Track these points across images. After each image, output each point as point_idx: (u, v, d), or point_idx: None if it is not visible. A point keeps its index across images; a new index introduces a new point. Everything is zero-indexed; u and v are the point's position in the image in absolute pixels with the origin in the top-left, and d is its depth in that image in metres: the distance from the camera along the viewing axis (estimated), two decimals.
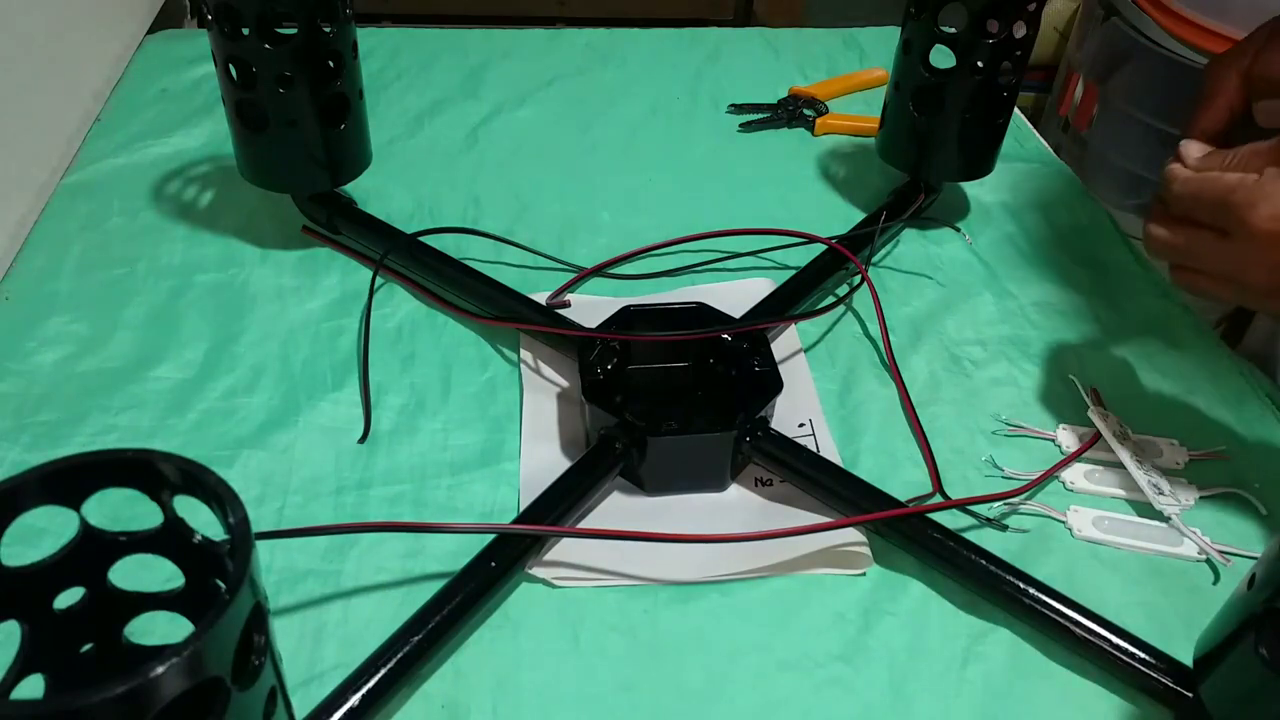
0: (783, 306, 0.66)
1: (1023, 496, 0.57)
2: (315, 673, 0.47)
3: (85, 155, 0.81)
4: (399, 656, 0.45)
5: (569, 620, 0.50)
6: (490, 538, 0.51)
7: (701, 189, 0.82)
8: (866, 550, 0.53)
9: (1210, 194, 0.50)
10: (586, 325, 0.61)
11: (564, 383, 0.62)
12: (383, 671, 0.44)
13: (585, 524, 0.54)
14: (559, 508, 0.53)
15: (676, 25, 1.07)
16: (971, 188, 0.82)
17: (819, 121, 0.89)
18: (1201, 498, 0.57)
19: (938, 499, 0.56)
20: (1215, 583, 0.53)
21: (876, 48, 1.02)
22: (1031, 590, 0.49)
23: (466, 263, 0.68)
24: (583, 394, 0.56)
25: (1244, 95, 0.57)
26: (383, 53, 0.96)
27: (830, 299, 0.69)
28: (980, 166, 0.75)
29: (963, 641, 0.50)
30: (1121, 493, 0.58)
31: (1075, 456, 0.58)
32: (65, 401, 0.60)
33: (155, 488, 0.32)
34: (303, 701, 0.42)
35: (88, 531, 0.33)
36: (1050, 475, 0.58)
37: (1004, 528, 0.55)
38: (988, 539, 0.54)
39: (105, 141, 0.82)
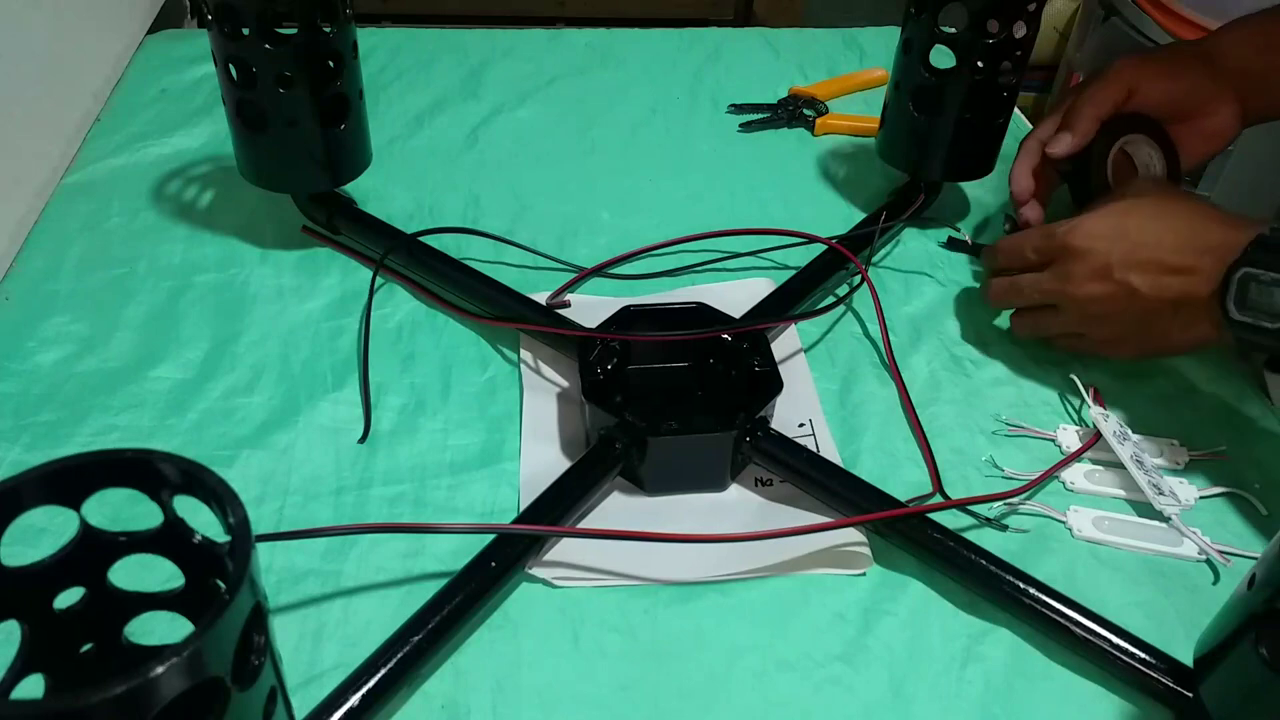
0: (783, 306, 0.66)
1: (1022, 496, 0.57)
2: (315, 673, 0.47)
3: (85, 155, 0.81)
4: (399, 656, 0.45)
5: (569, 620, 0.50)
6: (490, 538, 0.51)
7: (701, 189, 0.82)
8: (866, 550, 0.53)
9: (1032, 236, 0.63)
10: (586, 325, 0.61)
11: (564, 383, 0.62)
12: (383, 671, 0.44)
13: (585, 524, 0.54)
14: (559, 508, 0.53)
15: (676, 25, 1.07)
16: (971, 188, 0.82)
17: (819, 121, 0.89)
18: (1201, 498, 0.57)
19: (938, 499, 0.56)
20: (1215, 583, 0.53)
21: (876, 48, 1.02)
22: (1031, 590, 0.49)
23: (466, 263, 0.68)
24: (583, 394, 0.56)
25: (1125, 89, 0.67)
26: (383, 53, 0.96)
27: (830, 299, 0.69)
28: (980, 166, 0.75)
29: (963, 641, 0.50)
30: (1121, 493, 0.58)
31: (1075, 456, 0.58)
32: (65, 401, 0.60)
33: (155, 488, 0.32)
34: (303, 701, 0.42)
35: (88, 531, 0.33)
36: (1050, 475, 0.58)
37: (1004, 528, 0.55)
38: (988, 539, 0.54)
39: (105, 141, 0.82)
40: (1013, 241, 0.65)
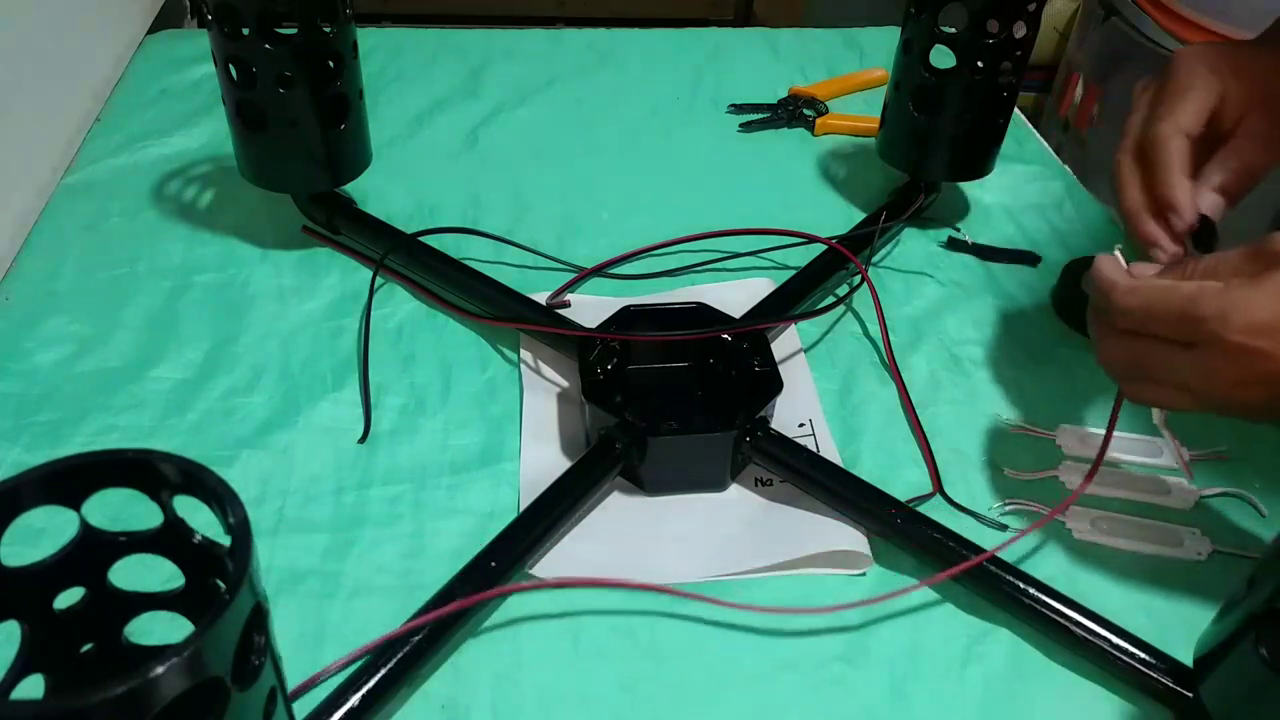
0: (783, 306, 0.66)
1: (1022, 504, 0.57)
2: (315, 673, 0.47)
3: (85, 155, 0.81)
4: (399, 656, 0.45)
5: (569, 620, 0.50)
6: (490, 537, 0.51)
7: (701, 189, 0.82)
8: (866, 550, 0.53)
9: (1168, 306, 0.45)
10: (586, 325, 0.61)
11: (564, 383, 0.62)
12: (383, 671, 0.44)
13: (585, 524, 0.54)
14: (559, 508, 0.53)
15: (676, 25, 1.07)
16: (971, 188, 0.82)
17: (819, 121, 0.89)
18: (1201, 498, 0.57)
19: (938, 499, 0.56)
20: (1215, 583, 0.53)
21: (876, 48, 1.02)
22: (1031, 590, 0.49)
23: (466, 263, 0.68)
24: (583, 394, 0.56)
25: (1220, 95, 0.54)
26: (383, 53, 0.96)
27: (830, 299, 0.69)
28: (980, 166, 0.75)
29: (963, 641, 0.50)
30: (1122, 493, 0.58)
31: (1081, 491, 0.54)
32: (65, 401, 0.60)
33: (155, 488, 0.32)
34: (303, 701, 0.42)
35: (88, 531, 0.33)
36: (1059, 512, 0.54)
37: (1004, 528, 0.55)
38: (988, 539, 0.54)
39: (105, 141, 0.82)
40: (1139, 300, 0.46)
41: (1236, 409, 0.46)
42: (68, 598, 0.34)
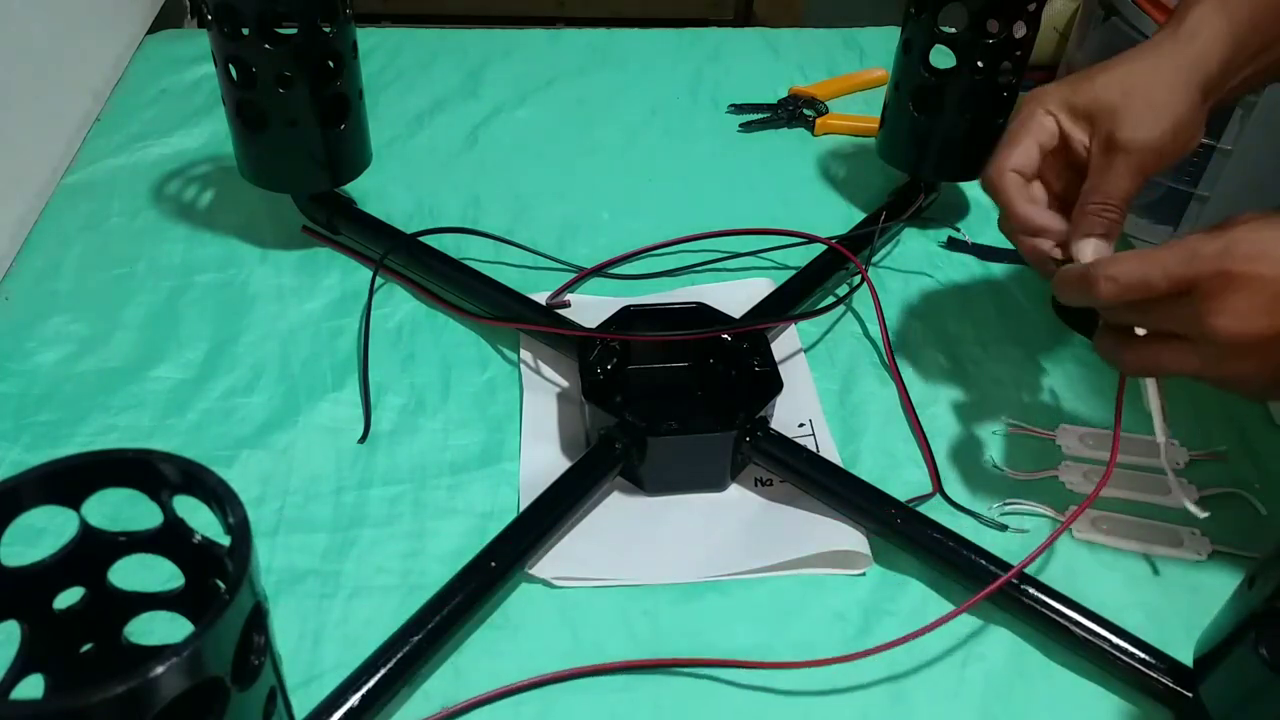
0: (783, 306, 0.66)
1: (1023, 502, 0.57)
2: (315, 673, 0.47)
3: (85, 155, 0.81)
4: (399, 656, 0.45)
5: (569, 620, 0.50)
6: (490, 538, 0.51)
7: (701, 189, 0.82)
8: (866, 550, 0.53)
9: (1166, 258, 0.46)
10: (586, 325, 0.61)
11: (564, 383, 0.62)
12: (383, 671, 0.45)
13: (585, 524, 0.54)
14: (559, 508, 0.53)
15: (676, 25, 1.07)
16: (971, 188, 0.82)
17: (819, 121, 0.89)
18: (1202, 498, 0.57)
19: (938, 499, 0.56)
20: (1215, 583, 0.53)
21: (876, 48, 1.02)
22: (1031, 590, 0.49)
23: (466, 263, 0.68)
24: (583, 394, 0.56)
25: (1054, 133, 0.56)
26: (383, 53, 0.96)
27: (830, 299, 0.69)
28: (980, 166, 0.75)
29: (963, 641, 0.50)
30: (1122, 493, 0.58)
31: (1095, 497, 0.52)
32: (65, 401, 0.60)
33: (155, 488, 0.32)
34: (303, 701, 0.42)
35: (88, 531, 0.33)
36: (1065, 528, 0.54)
37: (1004, 528, 0.55)
38: (988, 539, 0.54)
39: (105, 141, 0.82)
40: (1135, 269, 0.46)
41: (1241, 360, 0.45)
42: (68, 598, 0.34)
